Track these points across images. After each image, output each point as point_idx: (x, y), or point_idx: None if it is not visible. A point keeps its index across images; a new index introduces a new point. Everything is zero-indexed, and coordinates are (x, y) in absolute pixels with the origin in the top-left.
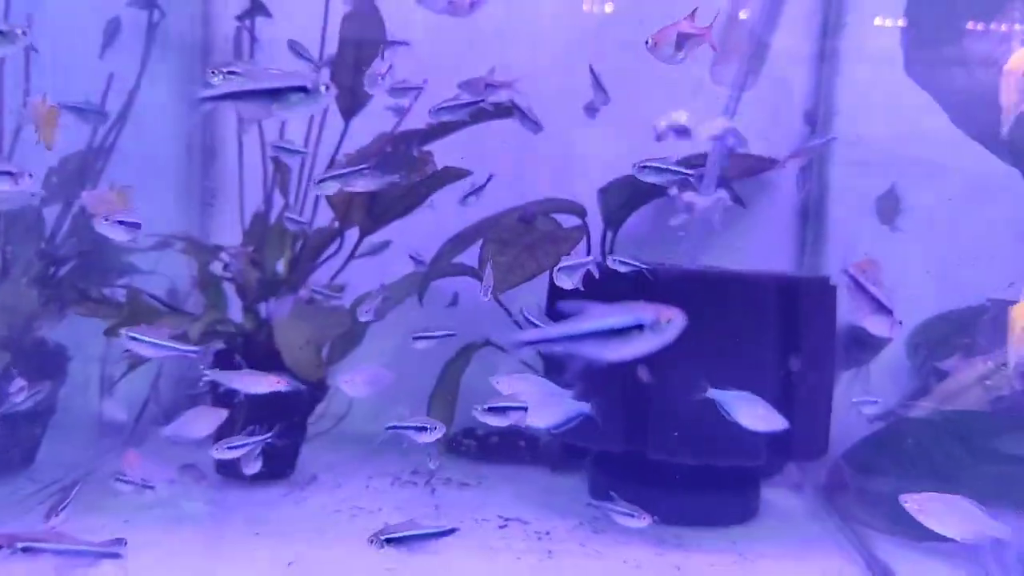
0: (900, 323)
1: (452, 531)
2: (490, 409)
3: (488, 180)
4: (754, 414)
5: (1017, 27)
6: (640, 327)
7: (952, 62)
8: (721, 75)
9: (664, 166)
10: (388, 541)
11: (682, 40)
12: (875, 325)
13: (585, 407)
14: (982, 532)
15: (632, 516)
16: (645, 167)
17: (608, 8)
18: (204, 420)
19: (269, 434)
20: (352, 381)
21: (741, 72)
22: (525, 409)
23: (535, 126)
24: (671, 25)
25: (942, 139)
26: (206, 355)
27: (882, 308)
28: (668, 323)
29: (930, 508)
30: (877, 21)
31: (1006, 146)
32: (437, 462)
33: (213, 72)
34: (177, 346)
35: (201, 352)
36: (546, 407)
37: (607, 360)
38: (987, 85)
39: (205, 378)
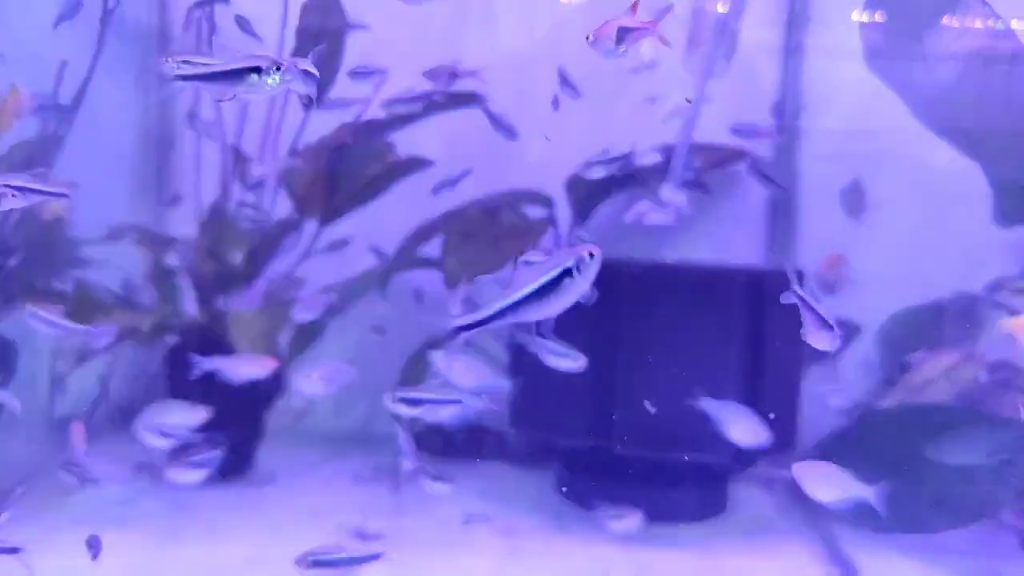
0: (840, 337)
1: (377, 556)
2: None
3: (463, 175)
4: (742, 426)
5: (976, 22)
6: (568, 272)
7: (911, 56)
8: (690, 64)
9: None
10: (315, 564)
11: (623, 34)
12: (818, 340)
13: (505, 384)
14: (850, 495)
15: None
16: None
17: None
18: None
19: (217, 451)
20: (309, 377)
21: (710, 60)
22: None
23: (509, 133)
24: (612, 19)
25: (907, 133)
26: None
27: (824, 324)
28: (591, 258)
29: (806, 475)
30: (840, 14)
31: (966, 140)
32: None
33: (169, 60)
34: (69, 324)
35: (94, 331)
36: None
37: (551, 316)
38: (946, 79)
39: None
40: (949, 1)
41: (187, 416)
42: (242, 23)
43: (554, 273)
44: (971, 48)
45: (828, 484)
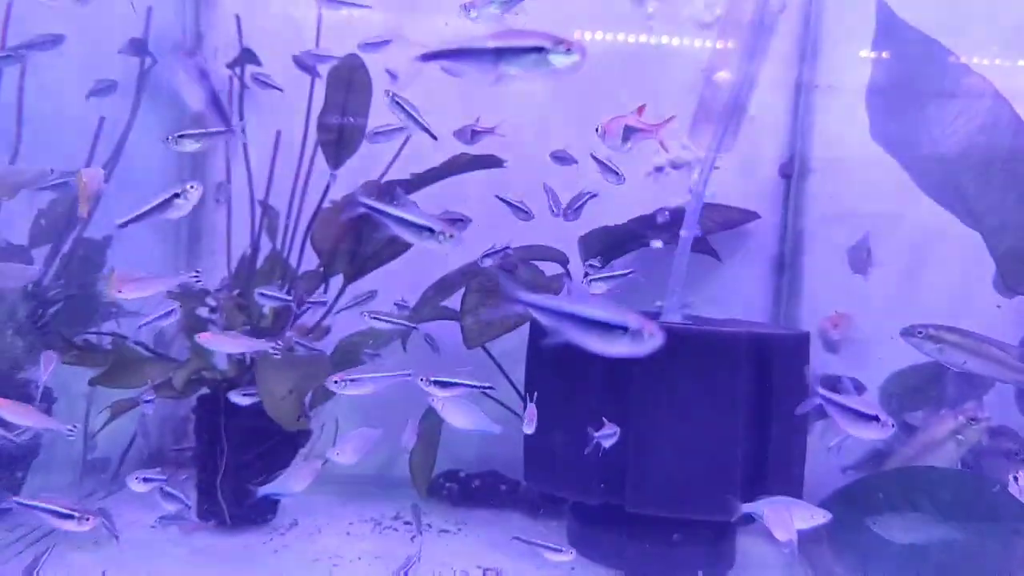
0: (892, 425)
1: None
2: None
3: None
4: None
5: (977, 99)
6: (624, 329)
7: (915, 129)
8: (699, 136)
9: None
10: None
11: (628, 133)
12: (868, 432)
13: (496, 428)
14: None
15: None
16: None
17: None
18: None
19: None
20: (343, 451)
21: (718, 134)
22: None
23: (525, 215)
24: (619, 117)
25: (910, 199)
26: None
27: (867, 417)
28: (649, 336)
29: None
30: (846, 80)
31: (968, 210)
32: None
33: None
34: None
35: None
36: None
37: (585, 349)
38: (949, 151)
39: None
40: (953, 76)
41: None
42: (261, 78)
43: (615, 320)
44: (974, 123)
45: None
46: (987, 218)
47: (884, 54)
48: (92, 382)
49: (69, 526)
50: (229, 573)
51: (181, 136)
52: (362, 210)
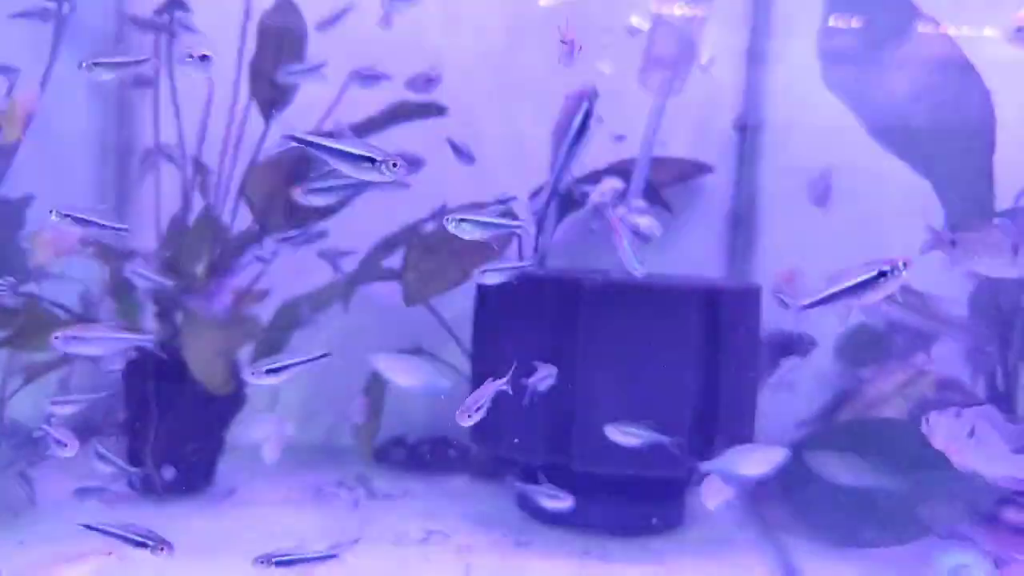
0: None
1: (333, 556)
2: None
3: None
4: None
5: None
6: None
7: (866, 73)
8: (648, 81)
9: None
10: (277, 563)
11: None
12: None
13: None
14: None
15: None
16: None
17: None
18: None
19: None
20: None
21: (667, 79)
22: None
23: (468, 159)
24: None
25: (864, 151)
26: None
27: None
28: (392, 167)
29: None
30: (800, 28)
31: (919, 157)
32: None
33: None
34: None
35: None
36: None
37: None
38: (900, 98)
39: None
40: (904, 19)
41: None
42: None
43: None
44: (924, 64)
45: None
46: (937, 166)
47: None
48: (0, 344)
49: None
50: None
51: (96, 64)
52: (293, 145)
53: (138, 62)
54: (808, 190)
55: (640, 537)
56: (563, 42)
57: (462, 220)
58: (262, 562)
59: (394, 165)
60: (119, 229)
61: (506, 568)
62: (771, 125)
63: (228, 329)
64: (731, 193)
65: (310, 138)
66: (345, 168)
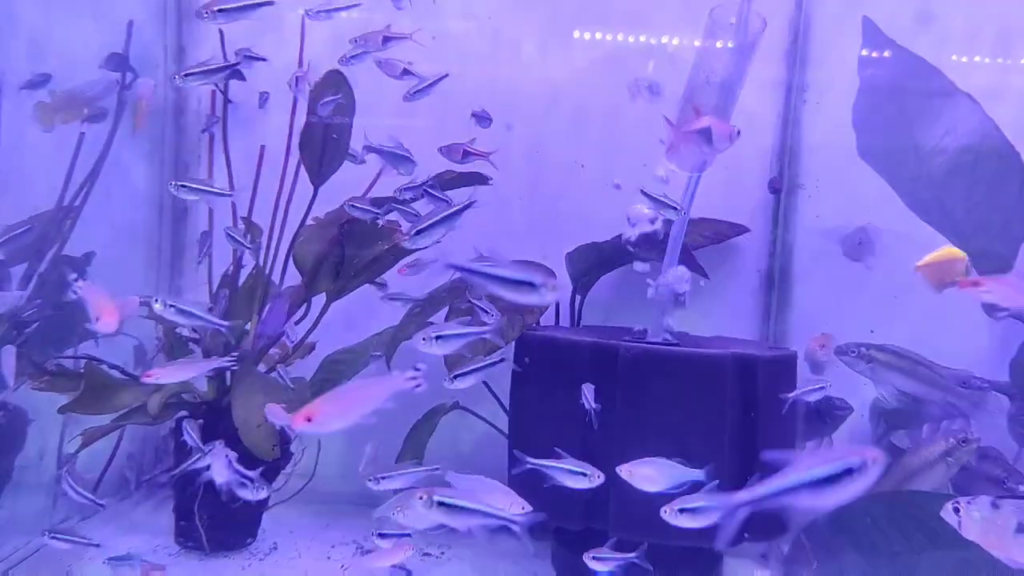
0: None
1: None
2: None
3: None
4: None
5: (964, 118)
6: (850, 471)
7: (901, 147)
8: (678, 157)
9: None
10: None
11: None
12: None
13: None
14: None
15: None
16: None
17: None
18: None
19: None
20: None
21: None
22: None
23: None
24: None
25: (897, 215)
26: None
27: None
28: (874, 463)
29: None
30: (836, 91)
31: (954, 229)
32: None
33: None
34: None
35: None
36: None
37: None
38: (935, 171)
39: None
40: (939, 95)
41: None
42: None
43: (838, 469)
44: (961, 142)
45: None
46: (973, 239)
47: (870, 71)
48: (62, 410)
49: None
50: None
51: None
52: (456, 273)
53: (219, 193)
54: (842, 244)
55: None
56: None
57: (437, 337)
58: None
59: (552, 288)
60: (221, 325)
61: None
62: (806, 186)
63: (277, 394)
64: (766, 253)
65: (471, 266)
66: (504, 293)
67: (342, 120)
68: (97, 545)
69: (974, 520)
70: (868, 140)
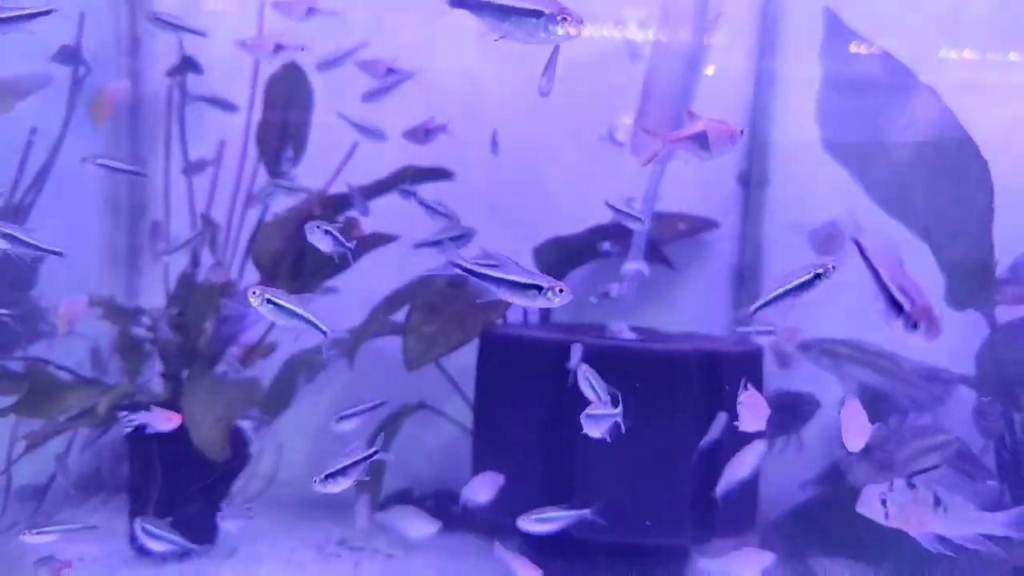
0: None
1: None
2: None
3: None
4: None
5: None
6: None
7: (864, 140)
8: (640, 148)
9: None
10: None
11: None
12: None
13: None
14: None
15: None
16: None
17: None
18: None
19: None
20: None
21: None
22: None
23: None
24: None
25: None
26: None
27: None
28: (558, 293)
29: None
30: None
31: (917, 222)
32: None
33: None
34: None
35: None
36: None
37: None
38: (898, 164)
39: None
40: (901, 88)
41: None
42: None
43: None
44: (922, 133)
45: None
46: (935, 231)
47: (831, 64)
48: (5, 411)
49: None
50: None
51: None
52: (458, 272)
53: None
54: (810, 238)
55: None
56: None
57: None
58: None
59: (560, 291)
60: (320, 329)
61: None
62: (775, 180)
63: (229, 394)
64: (735, 248)
65: (474, 267)
66: (510, 296)
67: (300, 114)
68: (94, 527)
69: (898, 506)
70: (831, 133)
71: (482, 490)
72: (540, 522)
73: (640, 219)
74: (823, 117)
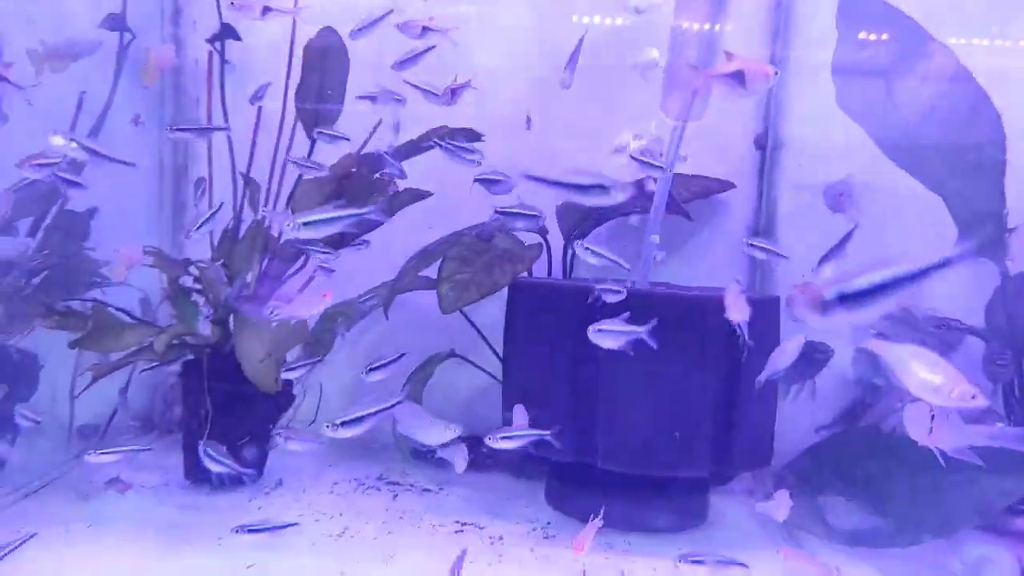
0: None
1: (294, 524)
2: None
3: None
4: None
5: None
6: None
7: (879, 96)
8: (670, 107)
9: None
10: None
11: None
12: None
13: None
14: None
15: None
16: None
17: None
18: None
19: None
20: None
21: (688, 103)
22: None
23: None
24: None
25: (879, 168)
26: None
27: None
28: (621, 189)
29: None
30: (819, 49)
31: (930, 176)
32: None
33: None
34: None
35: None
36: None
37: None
38: (912, 119)
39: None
40: (914, 44)
41: None
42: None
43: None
44: (935, 86)
45: None
46: (948, 183)
47: (848, 21)
48: (72, 344)
49: None
50: (213, 524)
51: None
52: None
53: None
54: (824, 195)
55: (663, 533)
56: None
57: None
58: (236, 531)
59: (624, 187)
60: None
61: (535, 558)
62: (790, 143)
63: (277, 332)
64: (752, 208)
65: (546, 177)
66: (580, 197)
67: (337, 75)
68: (149, 449)
69: (938, 424)
70: (847, 90)
71: (517, 418)
72: (505, 439)
73: (663, 167)
74: (838, 73)
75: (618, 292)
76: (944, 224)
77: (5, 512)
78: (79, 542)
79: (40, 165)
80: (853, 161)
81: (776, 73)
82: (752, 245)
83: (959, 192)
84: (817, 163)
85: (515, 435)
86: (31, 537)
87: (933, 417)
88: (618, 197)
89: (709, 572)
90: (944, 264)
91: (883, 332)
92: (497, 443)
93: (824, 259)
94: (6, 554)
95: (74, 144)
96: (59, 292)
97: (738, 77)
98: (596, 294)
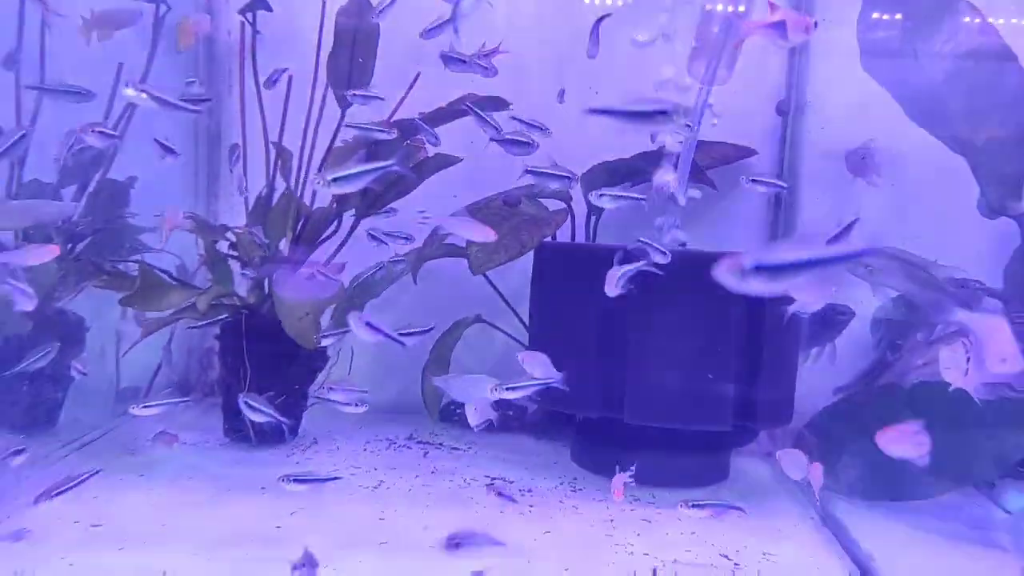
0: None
1: (337, 478)
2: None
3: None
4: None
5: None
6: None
7: (903, 57)
8: (697, 70)
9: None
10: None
11: None
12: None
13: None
14: None
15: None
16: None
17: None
18: None
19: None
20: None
21: (713, 67)
22: None
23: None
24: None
25: (902, 134)
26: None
27: None
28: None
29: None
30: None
31: (954, 136)
32: None
33: None
34: None
35: None
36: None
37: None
38: (935, 78)
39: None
40: (941, 4)
41: None
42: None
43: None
44: (960, 49)
45: None
46: (971, 143)
47: None
48: (122, 302)
49: None
50: (256, 476)
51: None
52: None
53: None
54: (846, 160)
55: (686, 488)
56: None
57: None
58: (282, 480)
59: (683, 111)
60: None
61: (563, 508)
62: (812, 109)
63: (314, 291)
64: (774, 174)
65: (610, 108)
66: (643, 125)
67: (367, 44)
68: (188, 400)
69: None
70: (871, 51)
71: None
72: (510, 390)
73: (690, 125)
74: (863, 35)
75: (644, 251)
76: (967, 186)
77: (57, 465)
78: (132, 489)
79: (102, 133)
80: (875, 126)
81: (816, 24)
82: (754, 181)
83: (982, 153)
84: (839, 127)
85: (520, 385)
86: (97, 472)
87: (968, 359)
88: (679, 120)
89: (709, 515)
90: (860, 254)
91: (902, 293)
92: (503, 394)
93: None
94: (75, 484)
95: (144, 95)
96: (103, 256)
97: (779, 27)
98: (621, 253)
